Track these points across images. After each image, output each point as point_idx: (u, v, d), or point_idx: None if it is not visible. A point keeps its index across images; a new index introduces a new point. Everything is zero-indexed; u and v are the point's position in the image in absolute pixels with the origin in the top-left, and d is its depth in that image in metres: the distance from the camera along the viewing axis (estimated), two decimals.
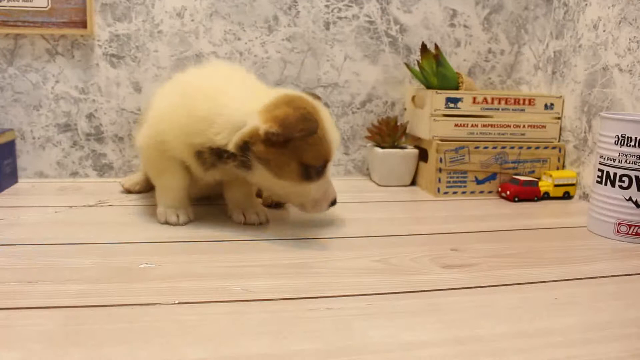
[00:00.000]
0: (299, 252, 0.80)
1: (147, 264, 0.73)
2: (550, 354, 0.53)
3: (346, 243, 0.85)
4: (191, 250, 0.79)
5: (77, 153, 1.22)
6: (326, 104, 1.28)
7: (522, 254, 0.82)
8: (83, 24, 1.14)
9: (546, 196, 1.16)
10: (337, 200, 0.93)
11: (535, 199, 1.15)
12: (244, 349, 0.52)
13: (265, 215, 0.95)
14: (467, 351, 0.53)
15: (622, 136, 0.89)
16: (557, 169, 1.22)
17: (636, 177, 0.88)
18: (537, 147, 1.20)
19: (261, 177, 0.83)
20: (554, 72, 1.26)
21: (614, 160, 0.90)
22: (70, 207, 1.00)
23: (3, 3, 1.12)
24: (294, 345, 0.53)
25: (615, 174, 0.90)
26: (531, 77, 1.36)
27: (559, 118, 1.23)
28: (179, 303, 0.62)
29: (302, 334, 0.56)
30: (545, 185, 1.16)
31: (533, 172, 1.21)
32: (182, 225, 0.92)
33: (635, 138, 0.87)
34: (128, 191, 1.11)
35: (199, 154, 0.84)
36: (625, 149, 0.89)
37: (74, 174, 1.23)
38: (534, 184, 1.15)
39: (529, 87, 1.36)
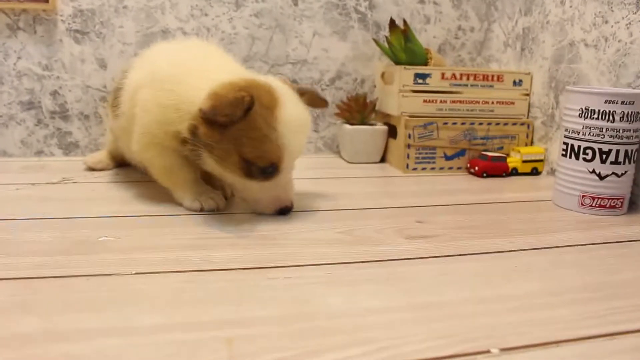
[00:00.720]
0: (263, 224, 0.80)
1: (106, 237, 0.72)
2: (508, 317, 0.53)
3: (311, 216, 0.84)
4: (152, 224, 0.78)
5: (42, 131, 1.20)
6: (294, 81, 1.27)
7: (486, 225, 0.83)
8: None
9: (515, 172, 1.17)
10: (293, 207, 0.83)
11: (504, 174, 1.15)
12: (200, 317, 0.52)
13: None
14: (425, 316, 0.53)
15: (585, 109, 0.89)
16: (526, 145, 1.22)
17: (599, 149, 0.89)
18: (506, 124, 1.21)
19: (209, 165, 0.79)
20: (522, 49, 1.27)
21: (578, 133, 0.91)
22: (33, 184, 0.98)
23: None
24: (250, 312, 0.53)
25: (579, 146, 0.91)
26: (501, 54, 1.36)
27: (527, 94, 1.23)
28: (136, 273, 0.61)
29: (259, 301, 0.55)
30: (513, 161, 1.17)
31: (502, 148, 1.21)
32: (221, 209, 0.86)
33: (598, 110, 0.88)
34: (91, 169, 1.09)
35: (184, 142, 0.79)
36: (588, 121, 0.89)
37: (39, 152, 1.20)
38: (503, 159, 1.15)
39: (498, 65, 1.37)
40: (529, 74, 1.23)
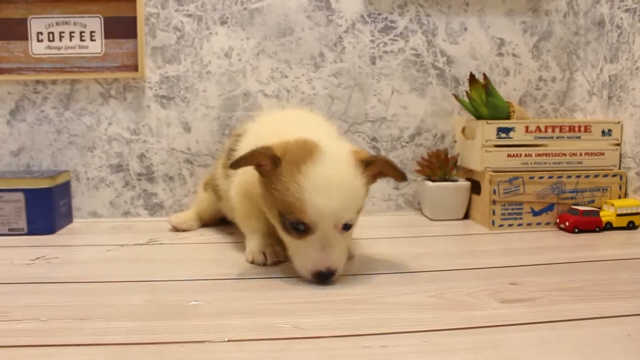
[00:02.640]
0: (350, 288, 0.78)
1: (196, 301, 0.72)
2: None
3: (399, 278, 0.82)
4: (240, 287, 0.78)
5: (129, 193, 1.24)
6: (374, 139, 1.27)
7: (587, 287, 0.77)
8: (135, 68, 1.18)
9: (609, 226, 1.10)
10: (335, 273, 0.77)
11: (597, 229, 1.09)
12: None
13: (353, 250, 0.92)
14: None
15: None
16: (619, 197, 1.16)
17: None
18: (596, 175, 1.15)
19: (268, 215, 0.85)
20: (610, 97, 1.22)
21: None
22: (122, 245, 1.01)
23: (61, 51, 1.17)
24: None
25: None
26: (585, 103, 1.31)
27: (618, 144, 1.17)
28: (228, 341, 0.61)
29: None
30: (607, 214, 1.10)
31: (593, 201, 1.15)
32: (269, 265, 0.89)
33: None
34: (176, 229, 1.12)
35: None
36: None
37: (126, 213, 1.25)
38: (595, 213, 1.09)
39: (583, 114, 1.32)
40: (618, 122, 1.17)
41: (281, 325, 0.65)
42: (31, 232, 1.09)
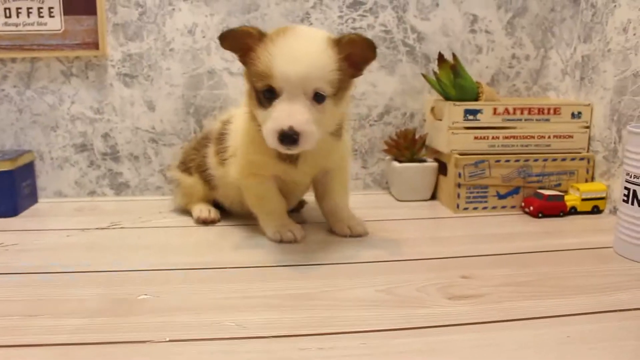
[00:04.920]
0: (303, 280, 0.78)
1: (145, 295, 0.73)
2: None
3: (352, 270, 0.82)
4: (192, 279, 0.78)
5: (94, 172, 1.23)
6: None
7: (539, 281, 0.77)
8: (96, 45, 1.15)
9: (573, 211, 1.10)
10: (302, 139, 0.78)
11: (561, 214, 1.09)
12: None
13: (364, 229, 0.98)
14: None
15: None
16: (586, 181, 1.15)
17: None
18: (564, 159, 1.14)
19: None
20: (582, 78, 1.20)
21: None
22: (83, 230, 1.00)
23: (19, 27, 1.13)
24: None
25: None
26: (559, 82, 1.29)
27: (587, 127, 1.16)
28: (169, 341, 0.61)
29: None
30: (572, 199, 1.10)
31: (559, 185, 1.15)
32: (299, 241, 0.94)
33: None
34: (205, 222, 1.05)
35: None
36: None
37: (92, 192, 1.24)
38: (560, 198, 1.09)
39: (556, 94, 1.30)
40: (588, 105, 1.16)
41: (225, 322, 0.65)
42: None
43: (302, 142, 0.78)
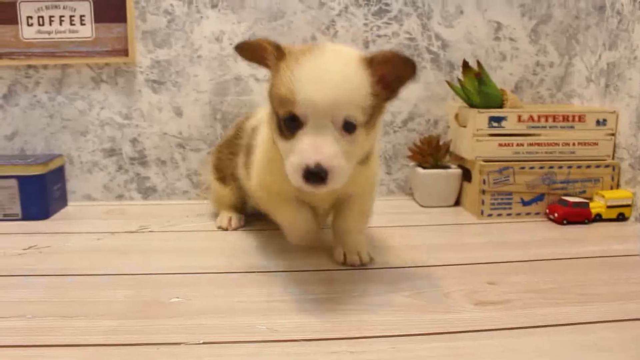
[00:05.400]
0: (330, 285, 0.79)
1: (177, 298, 0.74)
2: None
3: (379, 275, 0.83)
4: (222, 283, 0.80)
5: (122, 176, 1.25)
6: None
7: (563, 288, 0.78)
8: (125, 52, 1.17)
9: (598, 218, 1.10)
10: (330, 177, 0.67)
11: (586, 221, 1.09)
12: None
13: (369, 255, 0.87)
14: None
15: None
16: (611, 188, 1.15)
17: None
18: (589, 166, 1.14)
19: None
20: (607, 85, 1.20)
21: None
22: (112, 233, 1.03)
23: (52, 35, 1.16)
24: None
25: None
26: (583, 89, 1.29)
27: (612, 134, 1.16)
28: (203, 343, 0.62)
29: None
30: (597, 206, 1.10)
31: (584, 192, 1.14)
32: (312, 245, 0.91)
33: None
34: (226, 229, 1.06)
35: None
36: None
37: (120, 196, 1.26)
38: (585, 205, 1.09)
39: (580, 101, 1.30)
40: (614, 112, 1.15)
41: (257, 325, 0.66)
42: (25, 217, 1.10)
43: (330, 181, 0.68)
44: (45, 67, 1.20)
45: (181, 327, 0.66)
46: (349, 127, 0.69)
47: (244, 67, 1.22)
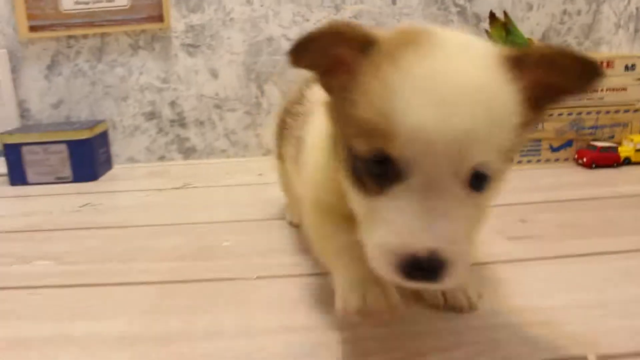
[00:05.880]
0: None
1: (227, 242, 0.80)
2: (607, 323, 0.54)
3: None
4: (266, 228, 0.85)
5: (163, 138, 1.31)
6: None
7: (594, 224, 0.81)
8: (160, 18, 1.22)
9: (627, 162, 1.12)
10: (448, 269, 0.39)
11: (615, 164, 1.11)
12: (313, 320, 0.57)
13: (478, 293, 0.59)
14: (522, 321, 0.55)
15: None
16: None
17: None
18: (617, 111, 1.16)
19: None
20: (636, 30, 1.20)
21: None
22: (159, 190, 1.09)
23: (89, 5, 1.21)
24: None
25: None
26: (612, 36, 1.30)
27: None
28: (257, 278, 0.68)
29: None
30: (626, 150, 1.12)
31: (613, 137, 1.16)
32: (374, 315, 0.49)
33: None
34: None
35: None
36: None
37: (162, 157, 1.32)
38: (613, 149, 1.11)
39: (609, 48, 1.31)
40: None
41: (302, 263, 0.72)
42: (76, 179, 1.17)
43: (448, 276, 0.40)
44: (85, 36, 1.25)
45: (235, 266, 0.72)
46: (481, 182, 0.41)
47: (275, 28, 1.26)
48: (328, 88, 0.47)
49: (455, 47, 0.42)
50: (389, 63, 0.41)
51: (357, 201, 0.45)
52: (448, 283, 0.40)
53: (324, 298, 0.61)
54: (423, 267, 0.39)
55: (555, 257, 0.70)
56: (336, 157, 0.48)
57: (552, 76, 0.42)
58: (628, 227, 0.79)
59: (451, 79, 0.39)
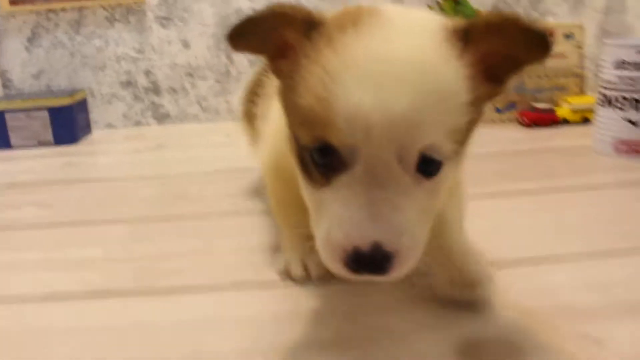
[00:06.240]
0: None
1: (196, 188, 0.90)
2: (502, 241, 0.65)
3: None
4: (232, 177, 0.95)
5: (139, 105, 1.40)
6: None
7: (528, 171, 0.92)
8: None
9: (564, 122, 1.23)
10: (396, 263, 0.38)
11: (552, 124, 1.22)
12: (268, 242, 0.67)
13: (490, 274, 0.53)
14: None
15: (619, 60, 0.96)
16: (577, 95, 1.28)
17: (632, 98, 0.95)
18: (557, 76, 1.27)
19: None
20: (576, 2, 1.31)
21: (613, 84, 0.97)
22: (135, 150, 1.18)
23: None
24: None
25: (614, 96, 0.97)
26: (557, 7, 1.40)
27: (579, 47, 1.28)
28: (222, 214, 0.78)
29: None
30: (563, 111, 1.23)
31: (553, 99, 1.28)
32: (315, 280, 0.57)
33: (631, 61, 0.94)
34: None
35: None
36: (622, 72, 0.96)
37: (138, 123, 1.41)
38: (552, 110, 1.22)
39: (555, 18, 1.41)
40: (580, 26, 1.27)
41: (258, 205, 0.82)
42: (57, 143, 1.26)
43: (397, 269, 0.39)
44: (63, 10, 1.33)
45: (206, 206, 0.82)
46: (430, 167, 0.39)
47: (243, 1, 1.34)
48: (277, 73, 0.45)
49: (398, 26, 0.40)
50: (328, 46, 0.39)
51: (306, 193, 0.44)
52: (396, 275, 0.39)
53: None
54: (367, 260, 0.37)
55: (488, 195, 0.81)
56: (288, 146, 0.46)
57: (501, 46, 0.40)
58: (561, 173, 0.90)
59: (391, 60, 0.37)
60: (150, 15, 1.34)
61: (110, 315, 0.54)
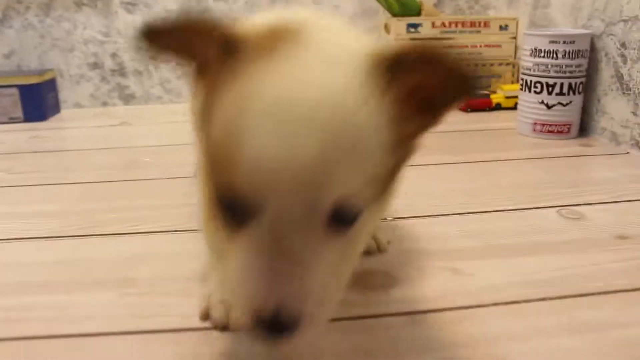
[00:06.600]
0: None
1: (148, 159, 0.99)
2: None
3: None
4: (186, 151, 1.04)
5: (106, 86, 1.48)
6: None
7: (465, 145, 1.04)
8: None
9: (499, 107, 1.35)
10: (299, 327, 0.34)
11: (487, 109, 1.34)
12: None
13: (388, 239, 0.64)
14: None
15: (534, 49, 1.07)
16: (512, 83, 1.40)
17: (546, 83, 1.07)
18: (492, 64, 1.38)
19: None
20: None
21: (530, 70, 1.09)
22: (101, 126, 1.27)
23: None
24: None
25: (531, 81, 1.09)
26: (497, 1, 1.51)
27: (513, 38, 1.40)
28: (168, 178, 0.88)
29: None
30: (497, 97, 1.34)
31: (489, 86, 1.39)
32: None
33: (544, 49, 1.06)
34: None
35: None
36: (537, 59, 1.07)
37: (104, 103, 1.50)
38: (487, 96, 1.33)
39: (495, 12, 1.52)
40: (515, 19, 1.39)
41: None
42: (26, 119, 1.34)
43: (299, 333, 0.35)
44: None
45: (158, 173, 0.91)
46: (345, 217, 0.36)
47: None
48: (194, 91, 0.39)
49: (317, 55, 0.35)
50: (243, 72, 0.34)
51: (220, 237, 0.38)
52: (300, 338, 0.35)
53: None
54: (270, 326, 0.34)
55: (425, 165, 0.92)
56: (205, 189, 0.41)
57: (428, 78, 0.36)
58: (482, 149, 1.02)
59: (302, 99, 0.33)
60: (116, 0, 1.42)
61: (61, 252, 0.64)
